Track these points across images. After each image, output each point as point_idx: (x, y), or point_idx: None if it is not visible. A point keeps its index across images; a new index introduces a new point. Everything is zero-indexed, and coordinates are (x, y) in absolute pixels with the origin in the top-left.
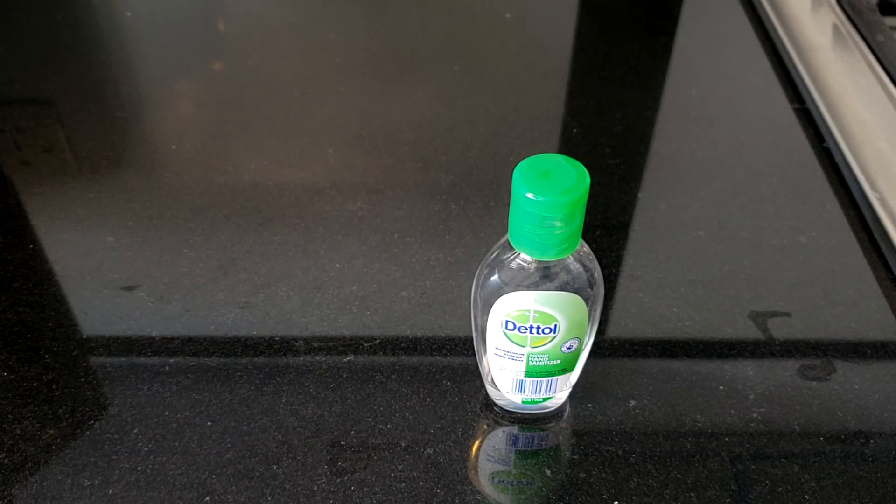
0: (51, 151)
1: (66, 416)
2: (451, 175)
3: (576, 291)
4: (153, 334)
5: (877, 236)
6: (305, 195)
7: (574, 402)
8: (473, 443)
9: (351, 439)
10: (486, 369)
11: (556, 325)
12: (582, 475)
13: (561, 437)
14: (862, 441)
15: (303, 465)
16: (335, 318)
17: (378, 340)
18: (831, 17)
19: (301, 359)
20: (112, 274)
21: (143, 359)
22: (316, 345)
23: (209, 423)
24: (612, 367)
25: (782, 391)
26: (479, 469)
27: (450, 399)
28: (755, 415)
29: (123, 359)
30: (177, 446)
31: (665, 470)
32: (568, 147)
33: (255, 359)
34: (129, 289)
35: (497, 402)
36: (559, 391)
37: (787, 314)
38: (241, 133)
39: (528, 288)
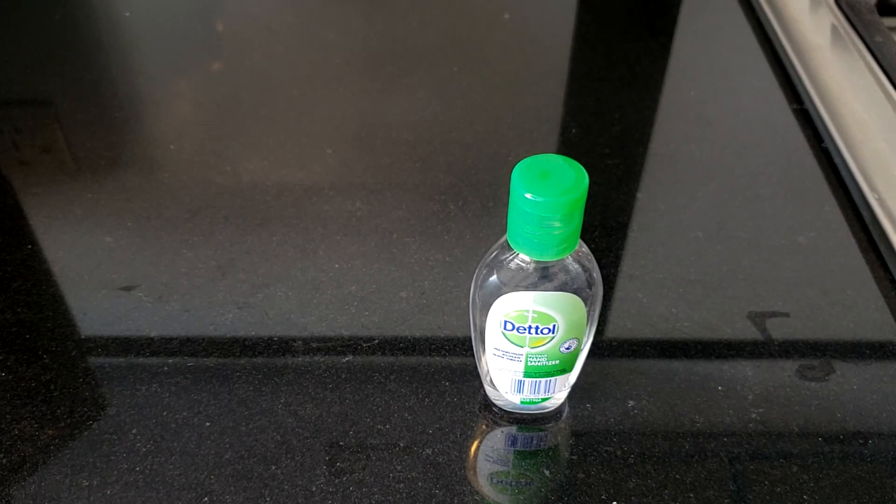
0: (49, 152)
1: (65, 416)
2: (449, 175)
3: (574, 292)
4: (152, 335)
5: (875, 237)
6: (304, 195)
7: (573, 402)
8: (472, 443)
9: (350, 440)
10: (485, 370)
11: (554, 326)
12: (581, 475)
13: (559, 438)
14: (860, 441)
15: (301, 465)
16: (334, 318)
17: (377, 341)
18: (830, 17)
19: (300, 359)
20: (110, 274)
21: (141, 359)
22: (315, 345)
23: (208, 424)
24: (611, 368)
25: (781, 391)
26: (477, 469)
27: (448, 399)
28: (754, 415)
29: (122, 359)
30: (175, 447)
31: (664, 470)
32: (567, 147)
33: (254, 359)
34: (128, 289)
35: (496, 402)
36: (558, 391)
37: (786, 314)
38: (239, 133)
39: (527, 288)
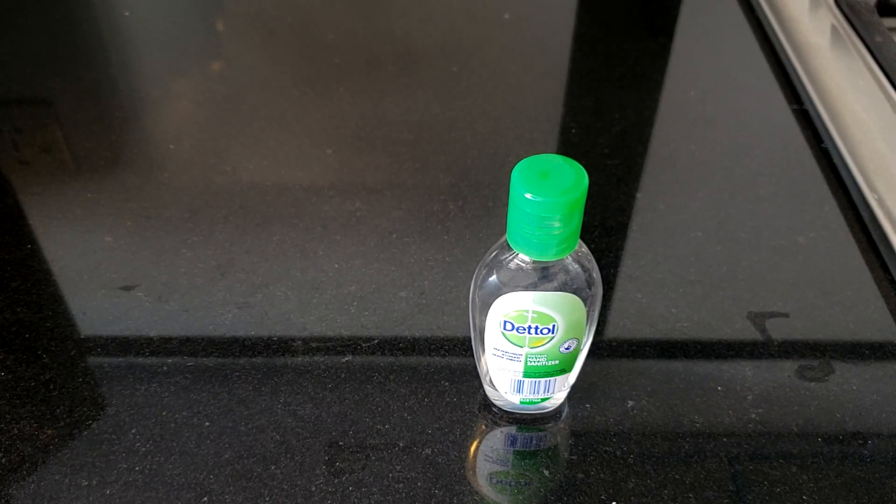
0: (49, 151)
1: (64, 416)
2: (449, 175)
3: (574, 292)
4: (151, 334)
5: (875, 237)
6: (304, 195)
7: (572, 402)
8: (472, 443)
9: (349, 440)
10: (485, 370)
11: (554, 326)
12: (580, 476)
13: (559, 438)
14: (860, 442)
15: (301, 465)
16: (333, 318)
17: (376, 341)
18: (830, 18)
19: (299, 359)
20: (110, 274)
21: (140, 359)
22: (314, 345)
23: (207, 424)
24: (611, 368)
25: (780, 392)
26: (477, 469)
27: (448, 399)
28: (753, 415)
29: (121, 359)
30: (175, 446)
31: (663, 470)
32: (566, 147)
33: (254, 359)
34: (127, 289)
35: (495, 402)
36: (557, 391)
37: (786, 315)
38: (239, 133)
39: (527, 288)
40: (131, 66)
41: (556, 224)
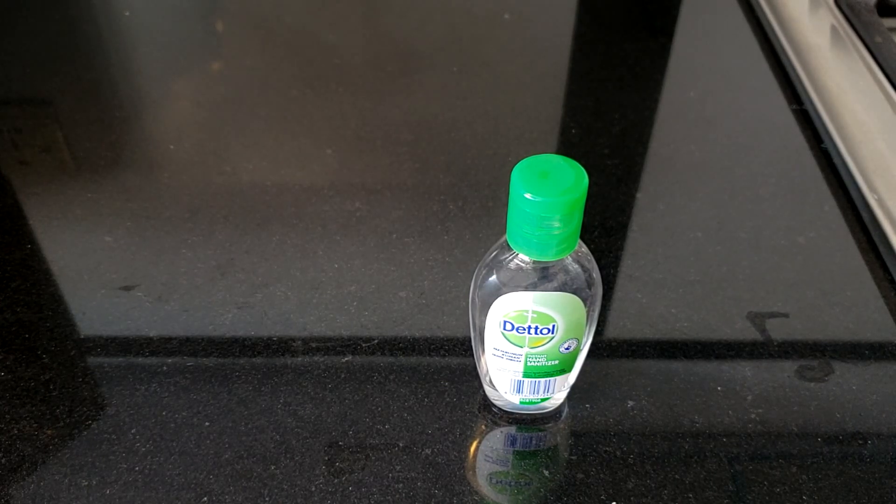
0: (49, 151)
1: (64, 416)
2: (449, 175)
3: (574, 292)
4: (151, 334)
5: (875, 237)
6: (304, 195)
7: (572, 402)
8: (471, 443)
9: (349, 440)
10: (485, 370)
11: (554, 326)
12: (580, 476)
13: (559, 438)
14: (860, 442)
15: (301, 465)
16: (333, 318)
17: (376, 341)
18: (829, 18)
19: (299, 359)
20: (110, 274)
21: (140, 359)
22: (314, 345)
23: (207, 424)
24: (611, 368)
25: (780, 392)
26: (477, 470)
27: (448, 400)
28: (753, 415)
29: (121, 359)
30: (175, 446)
31: (663, 470)
32: (566, 147)
33: (253, 359)
34: (127, 289)
35: (495, 402)
36: (557, 392)
37: (786, 315)
38: (239, 133)
39: (527, 288)
40: (131, 66)
41: (556, 224)
